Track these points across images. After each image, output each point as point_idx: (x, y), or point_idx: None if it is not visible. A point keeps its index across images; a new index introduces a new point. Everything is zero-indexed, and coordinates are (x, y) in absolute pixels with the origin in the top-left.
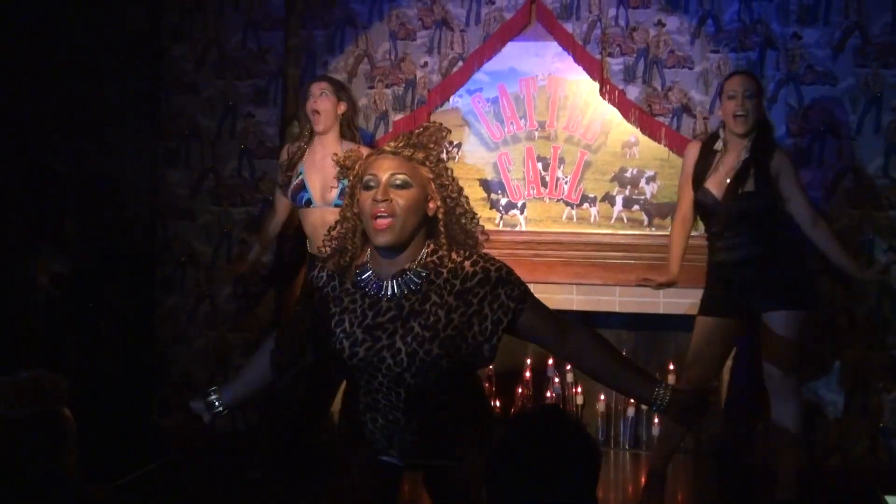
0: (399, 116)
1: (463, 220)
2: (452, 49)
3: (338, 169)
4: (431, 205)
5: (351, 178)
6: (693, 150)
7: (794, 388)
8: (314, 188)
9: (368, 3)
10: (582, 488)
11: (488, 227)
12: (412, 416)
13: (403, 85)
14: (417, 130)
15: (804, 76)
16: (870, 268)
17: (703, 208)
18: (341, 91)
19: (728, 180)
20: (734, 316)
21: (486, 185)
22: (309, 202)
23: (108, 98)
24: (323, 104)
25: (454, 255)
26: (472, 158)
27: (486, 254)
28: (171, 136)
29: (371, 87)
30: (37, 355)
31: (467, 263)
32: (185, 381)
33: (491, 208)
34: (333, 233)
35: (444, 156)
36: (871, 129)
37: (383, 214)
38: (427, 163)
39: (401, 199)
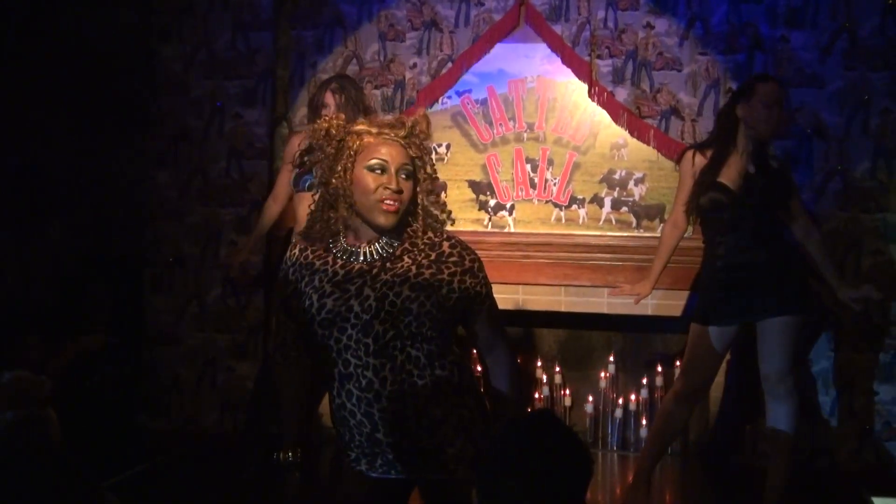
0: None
1: (436, 200)
2: (441, 50)
3: (321, 134)
4: (418, 188)
5: (335, 148)
6: (691, 155)
7: (790, 390)
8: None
9: (357, 4)
10: (571, 495)
11: (477, 228)
12: (386, 380)
13: (392, 86)
14: (414, 121)
15: (792, 79)
16: (856, 290)
17: (717, 205)
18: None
19: (745, 175)
20: (733, 324)
21: (474, 186)
22: (312, 186)
23: (97, 98)
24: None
25: (431, 234)
26: (461, 159)
27: (462, 240)
28: (159, 137)
29: None
30: (22, 356)
31: (445, 244)
32: (173, 382)
33: (480, 209)
34: (313, 206)
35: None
36: (859, 132)
37: (392, 202)
38: (422, 151)
39: (406, 188)
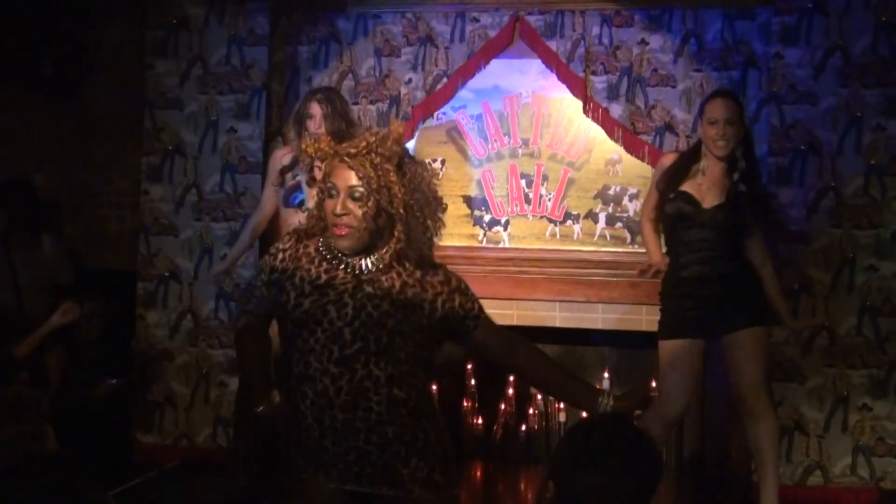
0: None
1: (423, 220)
2: (437, 66)
3: (303, 158)
4: (394, 204)
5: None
6: (669, 158)
7: (767, 404)
8: (310, 191)
9: (353, 20)
10: (641, 494)
11: (472, 243)
12: (341, 389)
13: (387, 101)
14: (368, 141)
15: (786, 96)
16: (799, 318)
17: (680, 214)
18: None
19: (710, 190)
20: (700, 336)
21: (469, 201)
22: (302, 203)
23: (92, 113)
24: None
25: (417, 260)
26: (456, 175)
27: (448, 268)
28: (154, 151)
29: (355, 104)
30: (17, 372)
31: (430, 266)
32: (166, 397)
33: (474, 225)
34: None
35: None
36: (852, 149)
37: (340, 225)
38: (388, 164)
39: (359, 210)
